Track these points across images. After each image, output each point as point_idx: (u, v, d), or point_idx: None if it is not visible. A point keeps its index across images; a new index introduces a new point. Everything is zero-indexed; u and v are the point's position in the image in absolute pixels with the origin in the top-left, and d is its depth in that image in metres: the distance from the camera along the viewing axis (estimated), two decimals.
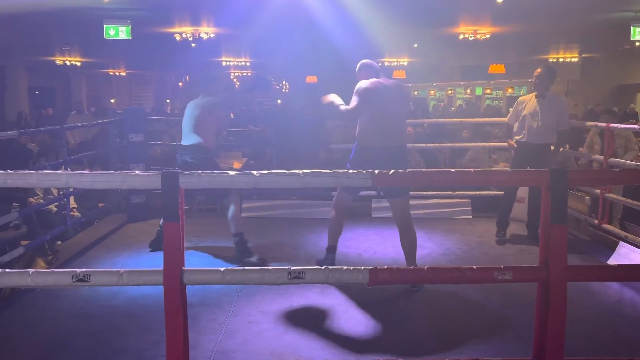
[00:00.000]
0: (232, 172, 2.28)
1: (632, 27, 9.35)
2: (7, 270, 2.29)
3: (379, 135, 3.74)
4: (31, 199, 5.83)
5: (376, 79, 3.88)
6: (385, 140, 3.74)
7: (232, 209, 4.41)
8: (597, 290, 3.80)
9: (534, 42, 13.65)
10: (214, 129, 4.58)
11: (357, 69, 4.10)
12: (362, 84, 3.85)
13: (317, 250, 4.84)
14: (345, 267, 2.25)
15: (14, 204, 4.91)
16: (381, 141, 3.74)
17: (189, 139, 4.45)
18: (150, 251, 4.72)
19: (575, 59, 16.89)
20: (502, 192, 5.30)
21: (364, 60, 4.08)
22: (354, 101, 3.85)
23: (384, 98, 3.78)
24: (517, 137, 4.99)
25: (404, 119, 4.07)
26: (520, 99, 5.11)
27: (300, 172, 2.24)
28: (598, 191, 4.87)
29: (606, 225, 4.79)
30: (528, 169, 4.51)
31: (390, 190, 3.88)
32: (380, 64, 18.66)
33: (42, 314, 3.47)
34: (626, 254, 4.34)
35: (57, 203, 5.73)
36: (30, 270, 2.25)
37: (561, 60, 16.77)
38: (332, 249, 4.10)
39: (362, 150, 3.86)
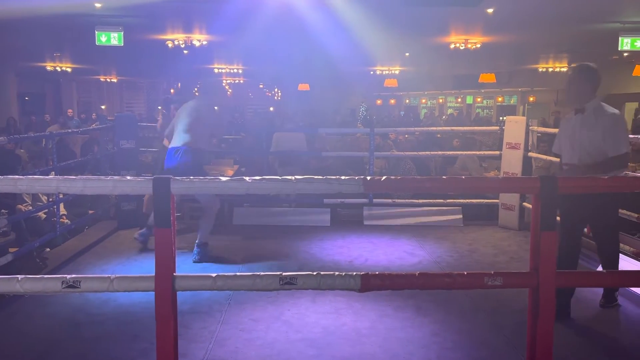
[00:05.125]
0: (224, 178, 2.28)
1: (620, 38, 9.48)
2: None
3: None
4: (20, 206, 5.77)
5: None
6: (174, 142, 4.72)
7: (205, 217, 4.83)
8: (586, 297, 3.83)
9: (524, 52, 13.81)
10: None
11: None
12: None
13: (307, 257, 4.84)
14: (337, 273, 2.25)
15: (2, 210, 4.86)
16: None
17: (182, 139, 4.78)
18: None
19: (565, 69, 17.11)
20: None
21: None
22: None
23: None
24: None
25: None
26: (566, 116, 3.80)
27: (293, 178, 2.24)
28: None
29: None
30: (575, 221, 3.49)
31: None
32: (372, 72, 18.57)
33: (29, 322, 3.43)
34: None
35: (46, 210, 5.68)
36: (19, 276, 2.22)
37: (550, 70, 16.99)
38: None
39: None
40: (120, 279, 2.23)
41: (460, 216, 6.13)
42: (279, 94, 24.61)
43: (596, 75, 3.51)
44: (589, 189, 4.17)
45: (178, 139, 4.67)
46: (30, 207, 5.68)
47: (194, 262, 4.59)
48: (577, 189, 2.61)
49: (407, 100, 25.31)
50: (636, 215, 4.41)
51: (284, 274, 2.24)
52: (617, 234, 3.61)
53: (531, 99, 20.80)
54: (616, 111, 3.48)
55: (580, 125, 3.48)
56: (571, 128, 3.55)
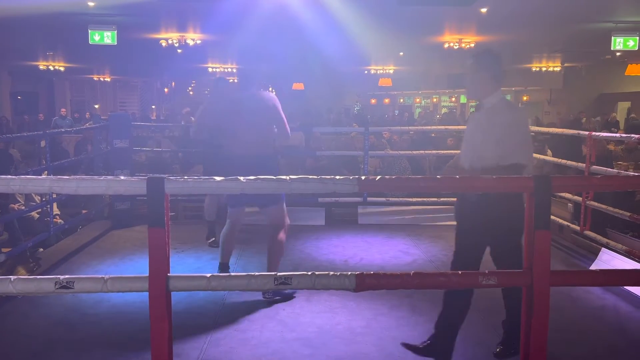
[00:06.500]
0: (218, 178, 2.27)
1: (612, 38, 9.54)
2: None
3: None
4: (12, 206, 5.74)
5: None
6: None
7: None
8: (580, 296, 3.85)
9: (518, 52, 13.87)
10: None
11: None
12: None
13: (302, 257, 4.83)
14: (332, 273, 2.25)
15: None
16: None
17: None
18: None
19: (558, 69, 17.20)
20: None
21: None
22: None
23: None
24: None
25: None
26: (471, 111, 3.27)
27: (288, 177, 2.24)
28: (580, 198, 4.94)
29: (588, 232, 4.86)
30: (471, 242, 2.90)
31: (263, 200, 3.74)
32: (366, 71, 18.63)
33: (22, 323, 3.41)
34: (608, 260, 4.40)
35: (39, 210, 5.64)
36: (12, 277, 2.20)
37: (544, 69, 17.08)
38: (224, 266, 3.95)
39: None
40: (114, 279, 2.21)
41: (454, 214, 6.15)
42: (273, 93, 24.59)
43: (495, 63, 2.89)
44: (582, 188, 4.20)
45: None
46: (23, 207, 5.65)
47: (266, 299, 3.73)
48: (571, 188, 2.62)
49: (402, 100, 25.35)
50: (628, 214, 4.44)
51: (278, 273, 2.24)
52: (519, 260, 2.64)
53: (525, 98, 20.89)
54: (519, 109, 2.90)
55: (475, 125, 2.94)
56: (468, 128, 3.02)
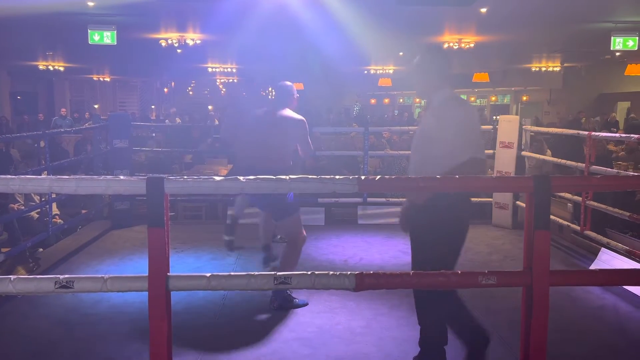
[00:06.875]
0: (218, 178, 2.27)
1: (612, 38, 9.53)
2: None
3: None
4: (12, 205, 5.73)
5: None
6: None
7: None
8: (580, 296, 3.85)
9: (517, 52, 13.87)
10: None
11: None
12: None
13: (302, 257, 4.81)
14: (331, 273, 2.25)
15: None
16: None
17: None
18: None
19: (558, 69, 17.19)
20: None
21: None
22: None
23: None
24: None
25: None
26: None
27: (287, 177, 2.24)
28: (580, 198, 4.94)
29: (588, 232, 4.86)
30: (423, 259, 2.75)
31: (278, 212, 3.78)
32: (366, 71, 18.58)
33: (22, 322, 3.41)
34: (608, 260, 4.40)
35: (38, 209, 5.64)
36: (12, 277, 2.20)
37: (543, 69, 17.07)
38: (267, 247, 4.47)
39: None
40: (114, 279, 2.21)
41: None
42: (273, 93, 24.56)
43: (440, 59, 2.80)
44: (582, 188, 4.20)
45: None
46: (23, 207, 5.64)
47: (273, 308, 3.62)
48: (571, 188, 2.62)
49: (401, 100, 25.34)
50: (628, 214, 4.44)
51: (278, 273, 2.24)
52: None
53: (524, 98, 20.89)
54: (467, 104, 2.76)
55: (423, 126, 2.81)
56: (419, 130, 2.85)
